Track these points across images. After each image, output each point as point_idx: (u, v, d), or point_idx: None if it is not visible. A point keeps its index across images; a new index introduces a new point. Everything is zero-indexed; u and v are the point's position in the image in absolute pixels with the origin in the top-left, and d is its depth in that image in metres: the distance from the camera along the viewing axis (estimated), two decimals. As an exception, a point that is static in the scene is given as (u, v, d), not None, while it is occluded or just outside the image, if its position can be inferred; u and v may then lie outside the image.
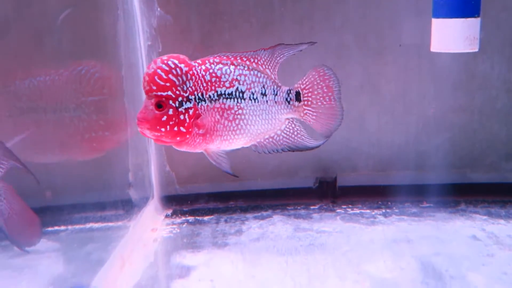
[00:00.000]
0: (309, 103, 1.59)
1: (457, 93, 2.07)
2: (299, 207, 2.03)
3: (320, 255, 1.60)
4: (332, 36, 2.04)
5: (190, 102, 1.50)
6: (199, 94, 1.52)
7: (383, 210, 1.96)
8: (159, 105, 1.48)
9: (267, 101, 1.56)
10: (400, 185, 2.08)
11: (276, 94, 1.57)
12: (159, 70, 1.48)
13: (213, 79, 1.52)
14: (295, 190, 2.13)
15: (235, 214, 2.01)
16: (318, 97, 1.61)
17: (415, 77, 2.07)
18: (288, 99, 1.57)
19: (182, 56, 1.53)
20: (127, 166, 2.03)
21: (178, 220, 1.98)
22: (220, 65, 1.54)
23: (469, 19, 1.71)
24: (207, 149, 1.60)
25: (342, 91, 2.05)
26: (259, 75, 1.56)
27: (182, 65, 1.50)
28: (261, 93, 1.55)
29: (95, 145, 1.80)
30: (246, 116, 1.55)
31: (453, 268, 1.48)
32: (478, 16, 1.72)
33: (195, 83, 1.51)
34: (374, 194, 2.08)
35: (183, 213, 2.03)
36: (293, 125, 1.60)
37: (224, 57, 1.55)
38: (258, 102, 1.56)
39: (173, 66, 1.49)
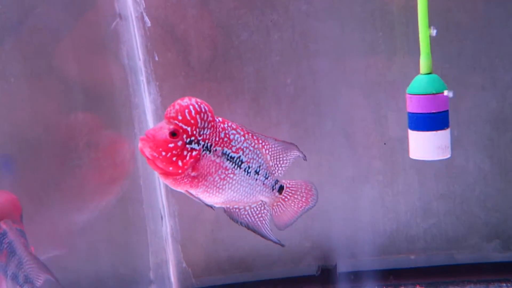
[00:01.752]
0: (285, 200, 1.77)
1: (439, 183, 2.31)
2: (304, 295, 2.25)
3: None
4: (325, 136, 2.31)
5: (198, 146, 1.62)
6: (208, 144, 1.65)
7: (381, 295, 2.17)
8: (173, 133, 1.60)
9: (256, 179, 1.70)
10: (395, 269, 2.31)
11: (267, 178, 1.73)
12: (191, 107, 1.61)
13: (225, 139, 1.66)
14: (299, 278, 2.36)
15: (247, 305, 2.23)
16: (295, 201, 1.78)
17: (400, 170, 2.32)
18: (273, 187, 1.75)
19: (211, 108, 1.67)
20: (148, 265, 2.27)
21: (197, 313, 2.20)
22: (235, 132, 1.69)
23: (439, 132, 1.95)
24: (187, 190, 1.69)
25: (336, 182, 2.31)
26: (260, 156, 1.72)
27: (209, 114, 1.64)
28: (255, 171, 1.71)
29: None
30: (234, 182, 1.68)
31: None
32: (448, 127, 1.97)
33: (211, 134, 1.65)
34: (371, 279, 2.30)
35: (201, 305, 2.26)
36: (261, 209, 1.75)
37: (240, 128, 1.70)
38: (249, 176, 1.70)
39: (203, 110, 1.63)
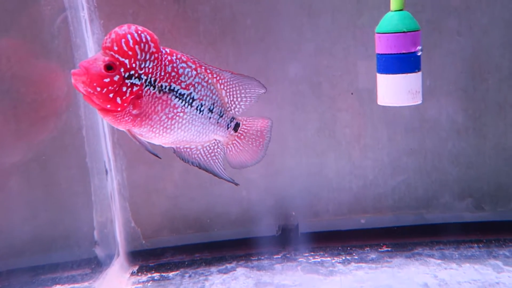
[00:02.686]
0: (242, 137, 1.63)
1: (409, 137, 2.14)
2: (262, 257, 2.08)
3: (278, 314, 1.65)
4: (288, 86, 2.11)
5: (139, 81, 1.47)
6: (152, 79, 1.49)
7: (343, 257, 2.01)
8: (109, 67, 1.43)
9: (209, 118, 1.57)
10: (360, 229, 2.15)
11: (221, 116, 1.59)
12: (129, 36, 1.43)
13: (173, 73, 1.50)
14: (259, 239, 2.18)
15: (199, 268, 2.05)
16: (251, 137, 1.65)
17: (368, 123, 2.15)
18: (228, 126, 1.60)
19: (156, 37, 1.48)
20: (92, 224, 2.07)
21: (144, 278, 2.01)
22: (185, 65, 1.52)
23: (410, 74, 1.78)
24: (130, 130, 1.54)
25: (300, 136, 2.14)
26: (214, 91, 1.57)
27: (152, 44, 1.46)
28: (209, 109, 1.57)
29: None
30: (184, 122, 1.54)
31: (402, 323, 1.54)
32: (419, 70, 1.79)
33: (154, 67, 1.48)
34: (335, 240, 2.14)
35: (149, 270, 2.07)
36: (215, 147, 1.62)
37: (191, 61, 1.54)
38: (202, 115, 1.56)
39: (144, 40, 1.44)
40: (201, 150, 1.61)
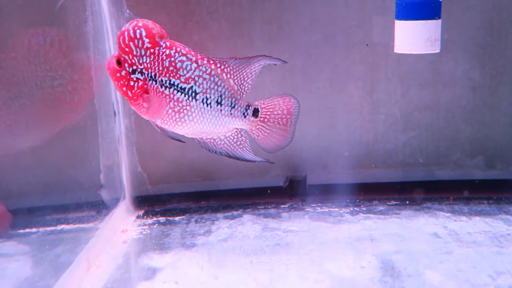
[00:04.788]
0: (266, 120, 1.60)
1: (423, 92, 2.11)
2: (269, 206, 2.06)
3: (285, 255, 1.63)
4: (301, 36, 2.07)
5: (142, 76, 1.55)
6: (152, 74, 1.54)
7: (351, 209, 1.99)
8: (118, 62, 1.56)
9: (221, 110, 1.55)
10: (369, 183, 2.12)
11: (233, 107, 1.56)
12: (126, 33, 1.53)
13: (171, 68, 1.52)
14: (266, 189, 2.16)
15: (206, 214, 2.03)
16: (276, 117, 1.61)
17: (382, 76, 2.11)
18: (245, 114, 1.57)
19: (155, 31, 1.53)
20: (98, 168, 2.04)
21: (149, 220, 2.00)
22: (184, 58, 1.52)
23: (430, 21, 1.74)
24: (151, 120, 1.63)
25: (311, 89, 2.10)
26: (219, 83, 1.54)
27: (146, 40, 1.52)
28: (216, 101, 1.55)
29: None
30: (193, 115, 1.55)
31: (411, 266, 1.52)
32: (439, 18, 1.75)
33: (152, 62, 1.53)
34: (343, 193, 2.12)
35: (155, 214, 2.06)
36: (239, 136, 1.61)
37: (192, 52, 1.53)
38: (211, 108, 1.55)
39: (138, 36, 1.52)
40: (225, 140, 1.61)
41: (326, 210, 2.00)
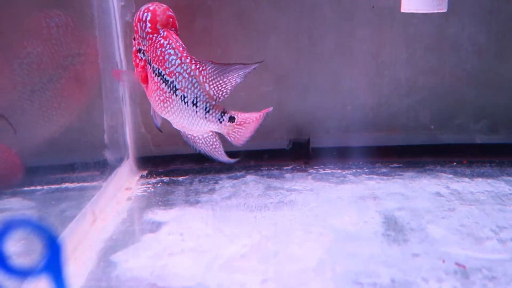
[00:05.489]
0: (243, 123, 1.62)
1: (428, 56, 2.10)
2: (272, 168, 2.07)
3: (288, 211, 1.64)
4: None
5: (144, 56, 1.63)
6: (149, 58, 1.61)
7: (354, 170, 2.00)
8: (134, 38, 1.66)
9: (196, 111, 1.57)
10: (372, 146, 2.13)
11: (208, 112, 1.57)
12: (138, 13, 1.62)
13: (160, 58, 1.57)
14: (269, 152, 2.16)
15: (209, 174, 2.04)
16: (248, 122, 1.63)
17: (387, 39, 2.09)
18: (221, 120, 1.59)
19: (159, 18, 1.59)
20: (102, 128, 2.04)
21: (153, 180, 2.01)
22: (172, 51, 1.56)
23: (437, -21, 1.72)
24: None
25: (316, 51, 2.09)
26: (196, 85, 1.55)
27: (148, 25, 1.59)
28: (192, 102, 1.57)
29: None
30: (174, 108, 1.59)
31: (414, 221, 1.53)
32: (447, -24, 1.74)
33: (149, 47, 1.60)
34: (346, 155, 2.12)
35: (158, 174, 2.06)
36: (213, 140, 1.65)
37: (181, 48, 1.56)
38: (188, 106, 1.57)
39: (143, 19, 1.59)
40: (203, 140, 1.66)
41: (329, 171, 2.00)
